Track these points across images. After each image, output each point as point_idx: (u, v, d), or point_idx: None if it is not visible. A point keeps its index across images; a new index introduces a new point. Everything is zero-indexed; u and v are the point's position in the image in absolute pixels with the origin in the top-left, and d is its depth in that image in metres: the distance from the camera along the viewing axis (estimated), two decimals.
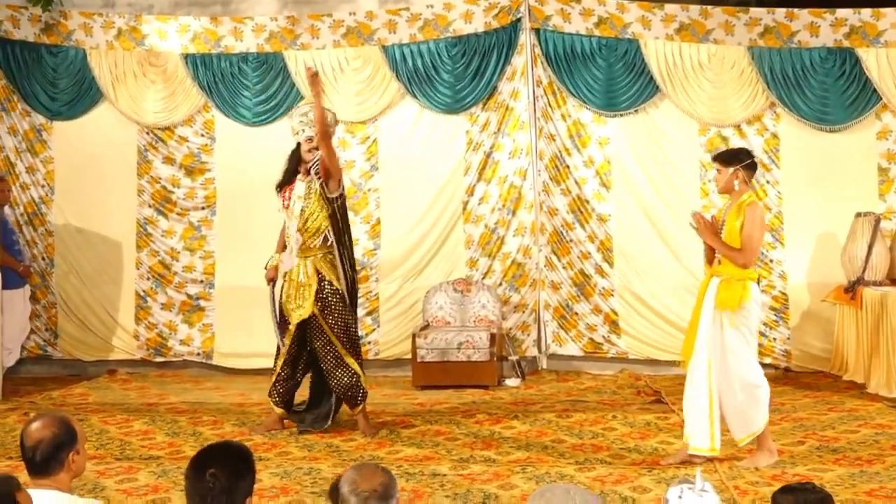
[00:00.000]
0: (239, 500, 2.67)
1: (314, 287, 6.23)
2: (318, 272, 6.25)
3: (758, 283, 5.43)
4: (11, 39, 8.72)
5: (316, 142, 6.25)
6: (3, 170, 8.58)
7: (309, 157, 6.31)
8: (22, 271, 8.15)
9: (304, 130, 6.32)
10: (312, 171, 6.28)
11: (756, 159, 5.74)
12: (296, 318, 6.27)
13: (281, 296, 6.43)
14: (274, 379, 6.43)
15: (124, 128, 8.77)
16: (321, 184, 6.25)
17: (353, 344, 6.36)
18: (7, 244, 7.96)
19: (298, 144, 6.38)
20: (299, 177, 6.35)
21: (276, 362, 6.46)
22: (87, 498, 3.35)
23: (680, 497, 2.64)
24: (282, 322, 6.43)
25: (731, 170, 5.41)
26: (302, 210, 6.27)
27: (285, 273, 6.38)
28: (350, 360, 6.28)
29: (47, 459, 3.00)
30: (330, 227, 6.27)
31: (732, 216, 5.38)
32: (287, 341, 6.35)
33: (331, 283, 6.27)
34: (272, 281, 6.57)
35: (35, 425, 3.06)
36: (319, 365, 6.38)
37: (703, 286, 5.48)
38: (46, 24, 8.69)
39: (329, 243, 6.29)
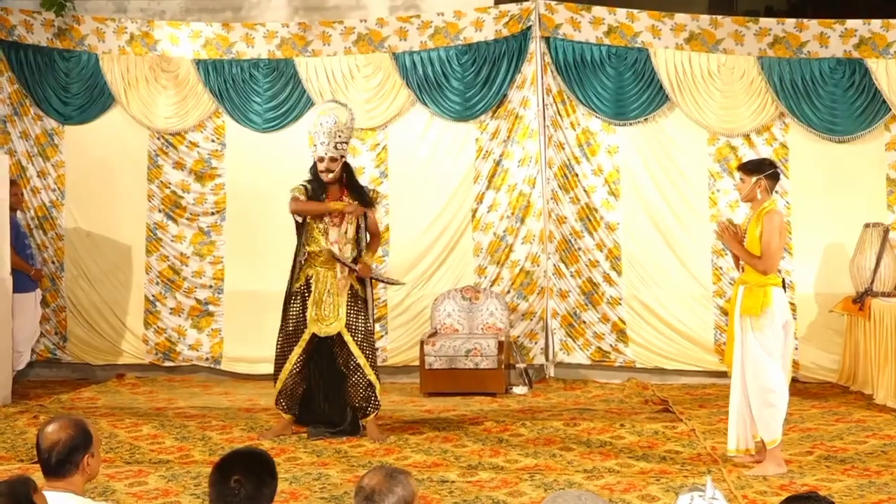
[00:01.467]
0: None
1: (345, 299, 6.27)
2: (351, 283, 6.31)
3: (784, 289, 5.56)
4: (24, 44, 8.78)
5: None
6: (14, 174, 8.62)
7: (329, 178, 6.29)
8: (33, 275, 8.20)
9: (328, 144, 6.28)
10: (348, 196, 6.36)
11: (779, 170, 5.85)
12: (324, 331, 6.28)
13: (299, 302, 6.36)
14: (280, 387, 6.42)
15: (135, 133, 8.81)
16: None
17: (374, 353, 6.47)
18: (19, 248, 8.00)
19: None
20: (346, 197, 6.35)
21: (282, 370, 6.39)
22: (99, 501, 3.37)
23: None
24: (295, 329, 6.40)
25: (755, 179, 5.55)
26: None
27: (307, 279, 6.35)
28: (369, 371, 6.32)
29: (62, 461, 3.03)
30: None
31: (753, 224, 5.55)
32: (298, 350, 6.33)
33: (356, 293, 6.33)
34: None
35: (51, 427, 3.09)
36: (332, 374, 6.39)
37: (733, 295, 5.66)
38: (59, 28, 8.75)
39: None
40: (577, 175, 8.32)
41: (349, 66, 8.54)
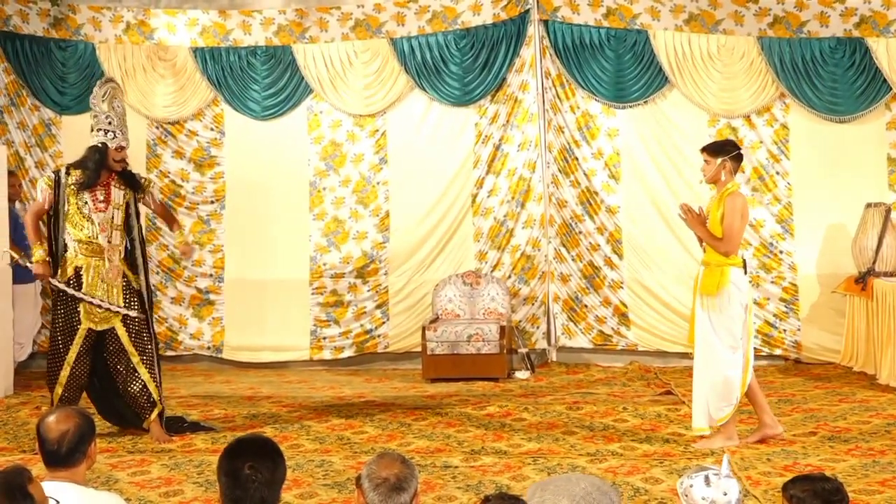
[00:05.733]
0: (277, 491, 2.72)
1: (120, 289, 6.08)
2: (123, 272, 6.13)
3: (744, 270, 5.59)
4: (20, 34, 8.74)
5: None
6: (12, 165, 8.59)
7: (119, 168, 6.07)
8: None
9: (125, 133, 6.09)
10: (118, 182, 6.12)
11: (742, 151, 5.86)
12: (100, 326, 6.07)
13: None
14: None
15: (134, 122, 8.65)
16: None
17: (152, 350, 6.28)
18: (17, 239, 7.98)
19: (104, 145, 6.01)
20: (113, 183, 6.08)
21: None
22: (102, 491, 3.36)
23: (707, 483, 2.66)
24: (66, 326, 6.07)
25: (719, 161, 5.60)
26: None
27: (94, 273, 6.04)
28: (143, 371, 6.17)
29: (73, 451, 3.03)
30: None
31: (715, 206, 5.61)
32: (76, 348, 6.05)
33: (130, 283, 6.15)
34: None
35: (54, 417, 3.08)
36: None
37: (696, 275, 5.71)
38: (55, 18, 8.70)
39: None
40: (577, 158, 8.29)
41: (347, 53, 8.50)
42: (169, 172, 8.76)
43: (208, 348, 8.75)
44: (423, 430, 6.19)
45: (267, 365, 8.55)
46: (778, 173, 8.01)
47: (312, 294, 8.59)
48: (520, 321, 8.38)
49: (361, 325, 8.54)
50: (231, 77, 8.63)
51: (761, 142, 8.02)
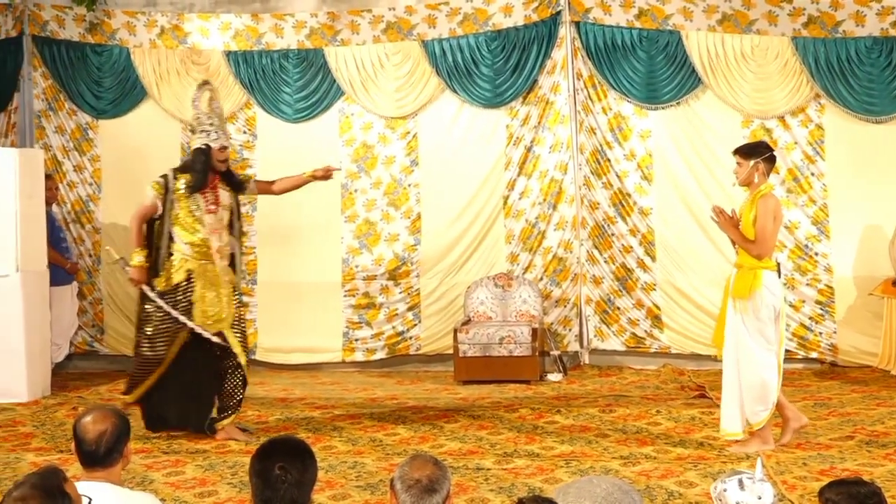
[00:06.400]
0: (307, 492, 2.72)
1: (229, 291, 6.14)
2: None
3: (778, 274, 5.52)
4: (57, 39, 8.87)
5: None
6: (50, 168, 8.71)
7: (222, 168, 6.10)
8: (69, 268, 8.29)
9: (225, 133, 6.14)
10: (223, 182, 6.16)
11: (775, 153, 5.80)
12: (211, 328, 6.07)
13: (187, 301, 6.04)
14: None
15: (168, 125, 8.87)
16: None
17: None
18: (54, 241, 8.09)
19: (208, 146, 6.03)
20: (219, 184, 6.11)
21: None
22: (137, 491, 3.40)
23: (741, 487, 2.64)
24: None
25: (752, 163, 5.54)
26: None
27: (204, 277, 6.06)
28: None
29: (111, 450, 3.06)
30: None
31: (748, 208, 5.56)
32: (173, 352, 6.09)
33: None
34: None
35: (90, 418, 3.11)
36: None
37: (728, 278, 5.65)
38: (91, 23, 8.81)
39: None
40: (609, 160, 8.25)
41: (378, 55, 8.52)
42: None
43: None
44: (456, 433, 6.19)
45: (299, 367, 8.59)
46: (813, 174, 7.92)
47: (344, 296, 8.62)
48: (552, 323, 8.35)
49: (393, 328, 8.56)
50: (263, 80, 8.69)
51: (796, 143, 7.94)
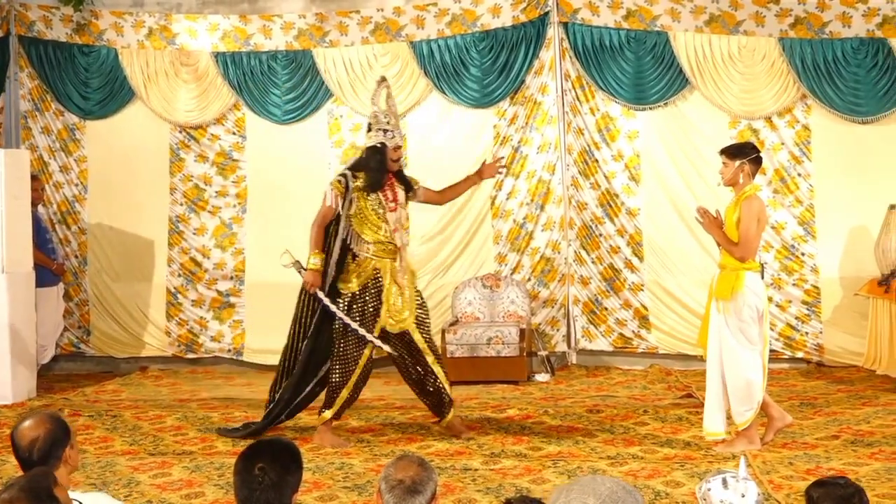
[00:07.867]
0: (287, 495, 2.69)
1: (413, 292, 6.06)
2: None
3: (761, 275, 5.55)
4: (44, 39, 8.83)
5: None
6: (36, 169, 8.67)
7: (396, 167, 5.98)
8: (55, 269, 8.25)
9: (393, 134, 5.92)
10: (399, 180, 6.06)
11: (761, 154, 5.80)
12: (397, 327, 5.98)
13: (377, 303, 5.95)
14: (348, 396, 6.03)
15: (156, 126, 8.84)
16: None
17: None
18: (40, 242, 8.05)
19: (383, 145, 5.88)
20: (395, 182, 5.99)
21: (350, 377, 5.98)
22: (91, 493, 3.34)
23: (724, 486, 2.65)
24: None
25: (737, 163, 5.55)
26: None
27: (389, 276, 5.97)
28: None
29: (45, 457, 2.97)
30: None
31: (732, 210, 5.56)
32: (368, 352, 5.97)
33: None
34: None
35: (26, 424, 3.03)
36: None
37: (712, 279, 5.67)
38: (78, 24, 8.78)
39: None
40: (597, 161, 8.27)
41: (367, 56, 8.52)
42: (192, 176, 8.81)
43: (229, 351, 8.79)
44: (443, 433, 6.18)
45: None
46: (800, 175, 7.95)
47: None
48: (539, 324, 8.36)
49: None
50: (252, 81, 8.67)
51: (783, 143, 7.96)
